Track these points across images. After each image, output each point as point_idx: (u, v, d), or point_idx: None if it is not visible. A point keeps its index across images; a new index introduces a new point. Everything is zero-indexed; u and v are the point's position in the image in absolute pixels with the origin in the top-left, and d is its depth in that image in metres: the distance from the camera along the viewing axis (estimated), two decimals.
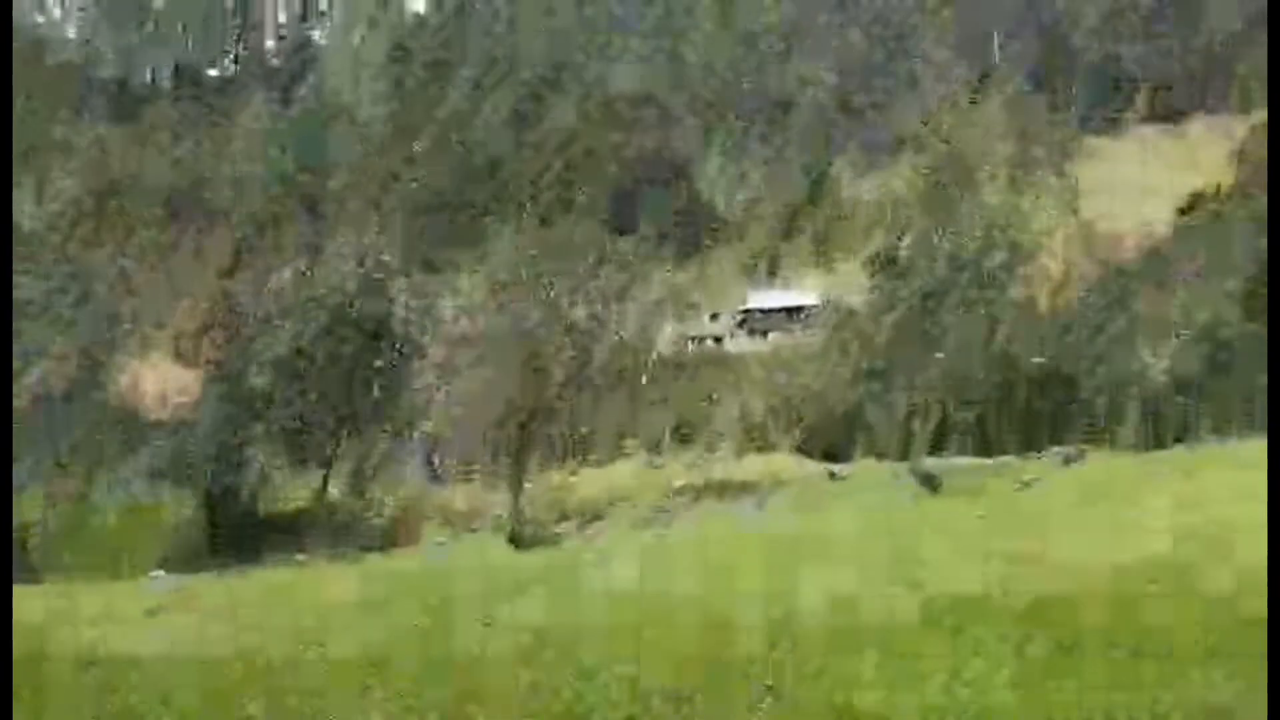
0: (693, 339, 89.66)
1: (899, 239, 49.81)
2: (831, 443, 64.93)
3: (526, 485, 42.17)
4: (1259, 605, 10.98)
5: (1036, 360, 60.97)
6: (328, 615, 19.05)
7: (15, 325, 44.05)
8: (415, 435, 51.53)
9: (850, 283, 75.47)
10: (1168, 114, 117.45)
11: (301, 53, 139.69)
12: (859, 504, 37.14)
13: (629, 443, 56.47)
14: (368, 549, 40.86)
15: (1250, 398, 49.80)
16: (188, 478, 46.00)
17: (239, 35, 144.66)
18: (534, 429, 40.78)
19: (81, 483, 47.38)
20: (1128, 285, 60.53)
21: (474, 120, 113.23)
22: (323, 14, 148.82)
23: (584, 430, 43.53)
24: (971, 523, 23.55)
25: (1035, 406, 59.72)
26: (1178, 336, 54.53)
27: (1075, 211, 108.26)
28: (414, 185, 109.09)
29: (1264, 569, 12.01)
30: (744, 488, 50.79)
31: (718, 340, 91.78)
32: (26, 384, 47.33)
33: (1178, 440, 44.43)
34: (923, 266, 48.60)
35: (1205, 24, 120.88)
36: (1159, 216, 68.85)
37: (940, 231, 48.16)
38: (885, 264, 51.47)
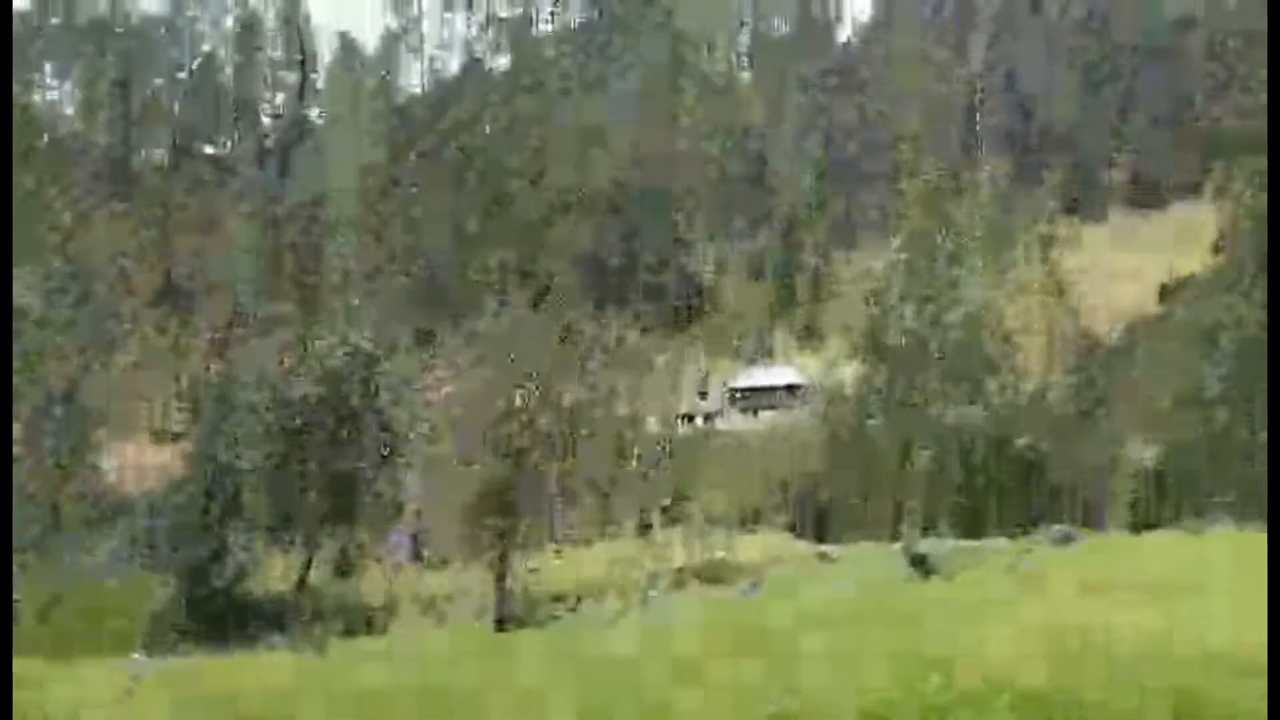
0: (682, 417, 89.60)
1: (883, 322, 50.19)
2: (822, 523, 64.54)
3: (511, 567, 41.51)
4: None
5: (1021, 442, 61.05)
6: (305, 700, 18.56)
7: None
8: (399, 518, 50.95)
9: (838, 363, 75.76)
10: (1149, 199, 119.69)
11: (297, 132, 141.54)
12: (853, 586, 36.64)
13: (618, 523, 55.93)
14: (349, 633, 40.08)
15: (1230, 483, 49.81)
16: (165, 559, 45.25)
17: (235, 114, 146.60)
18: (520, 510, 40.28)
19: (57, 561, 46.58)
20: (1111, 368, 60.92)
21: (462, 200, 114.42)
22: (319, 93, 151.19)
23: (571, 510, 43.10)
24: (964, 608, 23.18)
25: (1024, 488, 59.63)
26: (1162, 426, 54.82)
27: (1058, 295, 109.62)
28: (402, 265, 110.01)
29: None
30: (736, 570, 50.17)
31: (708, 418, 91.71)
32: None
33: (1153, 526, 44.27)
34: (907, 349, 48.84)
35: (1187, 114, 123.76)
36: (1141, 301, 69.64)
37: (923, 315, 48.55)
38: (870, 347, 51.70)
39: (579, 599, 45.79)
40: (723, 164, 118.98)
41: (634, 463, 53.85)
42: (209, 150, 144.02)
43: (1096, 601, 21.62)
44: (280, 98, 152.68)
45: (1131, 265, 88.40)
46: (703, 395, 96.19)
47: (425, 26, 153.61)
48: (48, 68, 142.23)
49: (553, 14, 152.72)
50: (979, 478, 57.25)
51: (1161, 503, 51.85)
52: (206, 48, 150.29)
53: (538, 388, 43.13)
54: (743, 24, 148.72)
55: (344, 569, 52.71)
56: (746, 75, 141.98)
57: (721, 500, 73.11)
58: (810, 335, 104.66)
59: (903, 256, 50.87)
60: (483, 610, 42.71)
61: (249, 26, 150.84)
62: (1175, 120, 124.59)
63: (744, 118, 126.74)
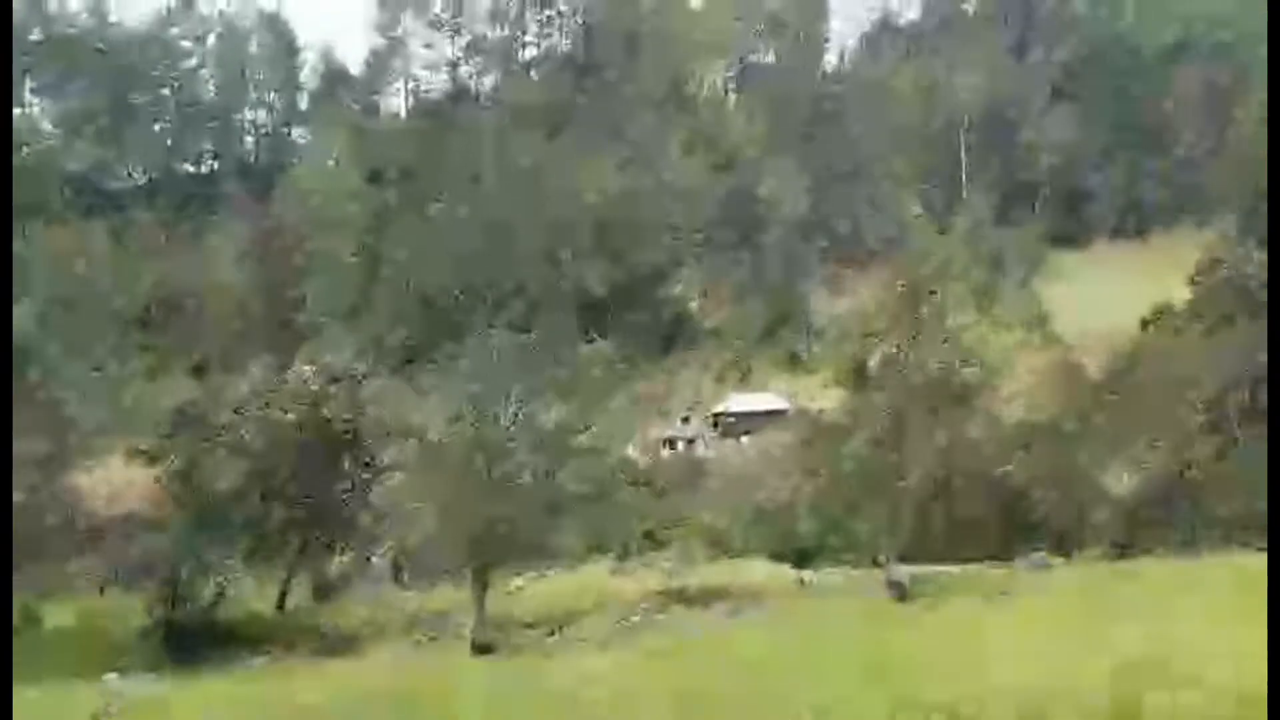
0: (664, 442, 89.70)
1: (867, 353, 50.47)
2: (802, 548, 64.49)
3: (490, 592, 41.32)
4: None
5: (1002, 472, 61.36)
6: None
7: None
8: (378, 541, 50.77)
9: (822, 390, 76.00)
10: (1134, 229, 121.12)
11: (280, 151, 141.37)
12: (830, 615, 36.73)
13: (598, 548, 55.80)
14: (328, 656, 39.80)
15: (1214, 515, 50.21)
16: (144, 581, 44.86)
17: (218, 133, 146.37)
18: (499, 534, 40.16)
19: (34, 583, 46.07)
20: (1094, 399, 61.40)
21: (448, 228, 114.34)
22: (302, 113, 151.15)
23: (551, 535, 42.98)
24: (943, 637, 23.33)
25: (1003, 516, 59.90)
26: (1146, 455, 55.18)
27: (1041, 325, 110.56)
28: (387, 292, 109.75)
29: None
30: (715, 595, 50.11)
31: (689, 443, 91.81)
32: None
33: (1128, 555, 44.58)
34: (891, 380, 49.05)
35: (1170, 149, 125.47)
36: (1123, 331, 70.33)
37: (908, 347, 48.82)
38: (855, 377, 51.87)
39: (560, 625, 45.66)
40: (709, 190, 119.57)
41: (615, 487, 53.74)
42: (190, 169, 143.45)
43: (1074, 626, 21.82)
44: (264, 116, 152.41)
45: (1114, 295, 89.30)
46: (685, 420, 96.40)
47: (411, 48, 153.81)
48: (28, 83, 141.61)
49: (539, 39, 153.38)
50: (959, 505, 57.52)
51: (1137, 532, 52.21)
52: (189, 65, 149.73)
53: (519, 412, 43.10)
54: (735, 56, 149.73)
55: (323, 592, 52.45)
56: (733, 101, 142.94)
57: (702, 525, 73.13)
58: (794, 362, 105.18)
59: (889, 290, 51.30)
60: (459, 634, 42.51)
61: (232, 45, 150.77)
62: (1160, 151, 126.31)
63: (731, 144, 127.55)
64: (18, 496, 43.21)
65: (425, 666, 32.63)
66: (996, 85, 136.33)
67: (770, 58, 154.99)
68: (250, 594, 47.86)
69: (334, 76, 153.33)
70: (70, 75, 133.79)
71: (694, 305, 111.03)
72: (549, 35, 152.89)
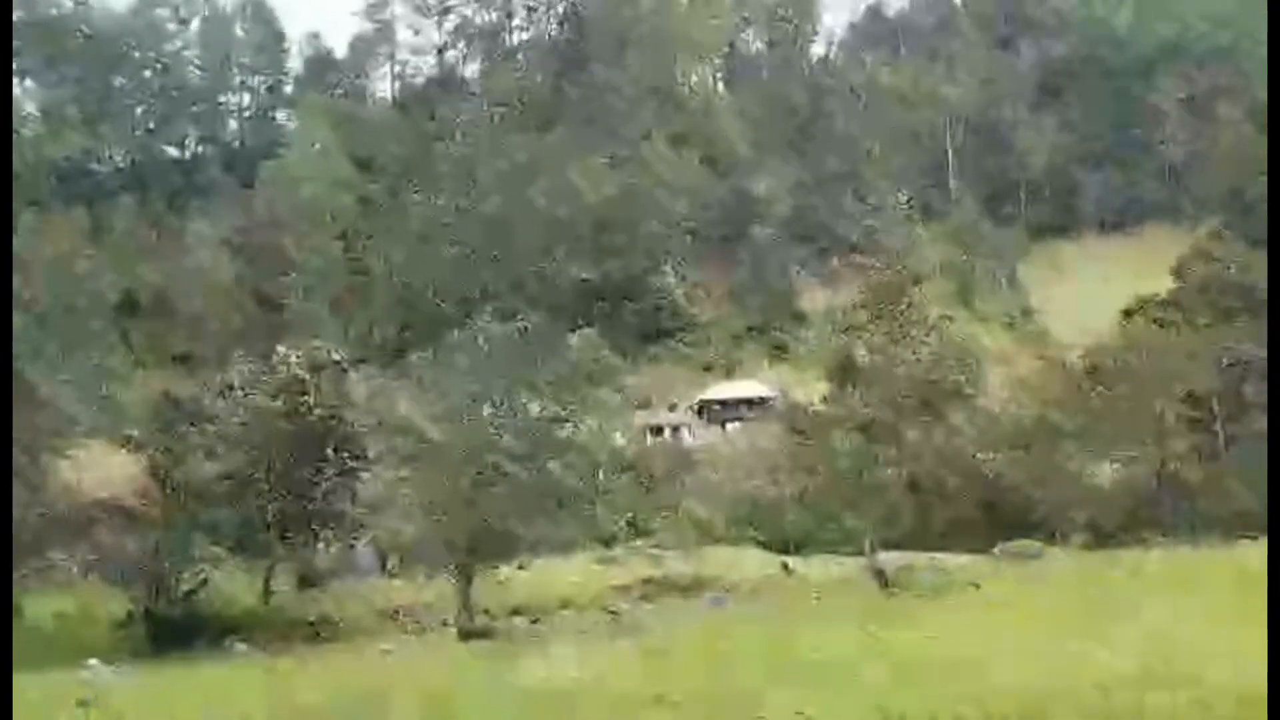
0: (650, 429, 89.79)
1: (853, 348, 50.68)
2: (787, 536, 64.87)
3: (476, 581, 41.31)
4: None
5: (987, 463, 61.79)
6: (265, 712, 18.49)
7: None
8: (363, 530, 50.55)
9: (808, 380, 76.13)
10: (1120, 222, 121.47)
11: (265, 137, 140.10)
12: (818, 605, 36.86)
13: (585, 536, 55.79)
14: (312, 646, 39.78)
15: (1195, 507, 50.63)
16: (128, 570, 44.61)
17: (202, 117, 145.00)
18: (486, 523, 40.11)
19: (17, 570, 45.74)
20: (1074, 391, 61.74)
21: (435, 221, 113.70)
22: (289, 98, 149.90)
23: (538, 526, 42.91)
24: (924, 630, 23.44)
25: (987, 506, 60.36)
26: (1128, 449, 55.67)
27: (1026, 318, 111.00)
28: (371, 284, 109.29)
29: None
30: (701, 583, 50.32)
31: (675, 430, 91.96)
32: None
33: (1110, 545, 44.94)
34: (877, 374, 49.31)
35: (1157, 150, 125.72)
36: (1105, 324, 70.62)
37: (892, 341, 49.12)
38: (841, 371, 52.12)
39: (545, 613, 45.75)
40: (698, 186, 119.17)
41: (601, 476, 53.79)
42: (173, 153, 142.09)
43: (1056, 615, 21.98)
44: (248, 100, 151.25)
45: (1098, 289, 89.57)
46: (671, 408, 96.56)
47: (398, 33, 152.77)
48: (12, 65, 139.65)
49: (527, 23, 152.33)
50: (944, 495, 57.90)
51: (1119, 522, 52.61)
52: (173, 47, 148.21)
53: (505, 403, 43.04)
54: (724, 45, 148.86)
55: (308, 581, 52.30)
56: (723, 96, 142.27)
57: (689, 513, 73.36)
58: (781, 353, 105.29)
59: (874, 284, 51.40)
60: (445, 623, 42.53)
61: (217, 28, 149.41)
62: (1145, 147, 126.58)
63: (720, 139, 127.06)
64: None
65: (411, 655, 32.60)
66: (985, 81, 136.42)
67: (760, 45, 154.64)
68: (235, 583, 47.71)
69: (321, 61, 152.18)
70: (51, 57, 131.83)
71: (680, 294, 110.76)
72: (537, 22, 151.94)
